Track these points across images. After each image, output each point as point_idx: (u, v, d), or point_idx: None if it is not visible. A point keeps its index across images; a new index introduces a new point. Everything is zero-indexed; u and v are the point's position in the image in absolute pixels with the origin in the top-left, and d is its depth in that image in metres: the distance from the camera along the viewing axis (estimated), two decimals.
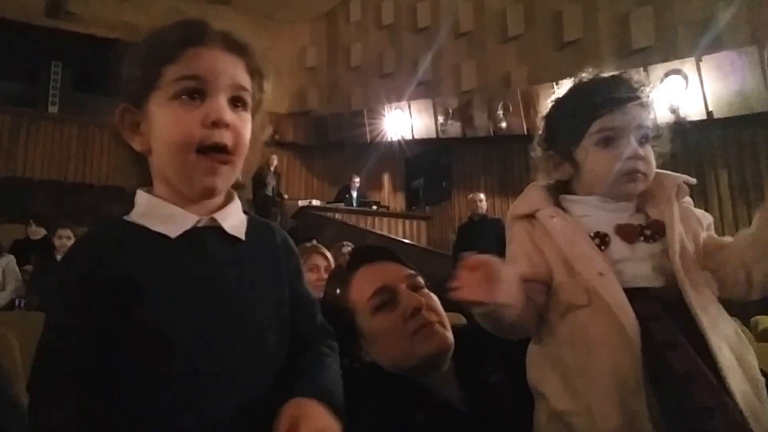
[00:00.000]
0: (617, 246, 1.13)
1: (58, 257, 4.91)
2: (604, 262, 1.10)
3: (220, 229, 0.91)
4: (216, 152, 0.87)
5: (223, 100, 0.87)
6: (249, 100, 0.92)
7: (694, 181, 1.20)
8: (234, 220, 0.93)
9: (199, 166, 0.86)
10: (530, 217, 1.22)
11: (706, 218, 1.21)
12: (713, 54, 6.30)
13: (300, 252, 1.15)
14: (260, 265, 0.93)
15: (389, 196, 10.86)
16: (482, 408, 1.19)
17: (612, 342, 1.05)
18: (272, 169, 9.15)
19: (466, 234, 6.66)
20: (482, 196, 6.99)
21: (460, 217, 8.87)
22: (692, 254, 1.12)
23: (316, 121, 11.21)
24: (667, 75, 6.59)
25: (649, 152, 1.16)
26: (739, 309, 1.60)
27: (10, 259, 4.86)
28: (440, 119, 9.29)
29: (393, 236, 9.00)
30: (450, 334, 1.27)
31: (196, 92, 0.87)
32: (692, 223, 1.17)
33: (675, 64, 6.56)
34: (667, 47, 6.82)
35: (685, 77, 6.47)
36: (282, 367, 0.90)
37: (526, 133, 7.74)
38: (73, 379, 0.79)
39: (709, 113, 6.38)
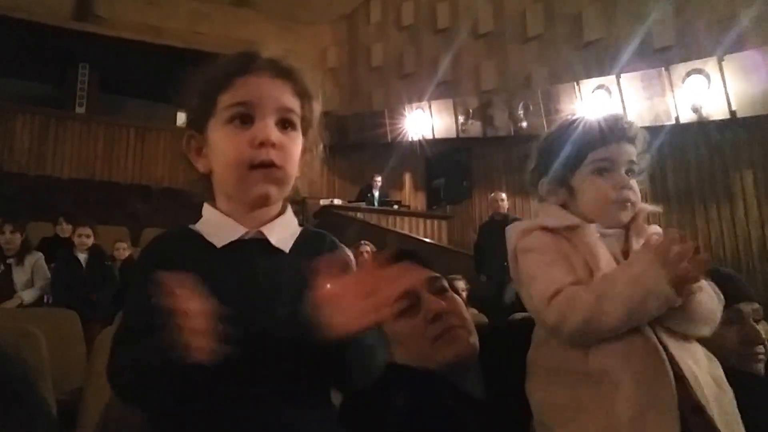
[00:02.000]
0: None
1: (79, 255, 5.01)
2: None
3: (267, 241, 0.98)
4: (265, 168, 0.95)
5: (270, 122, 0.95)
6: (297, 121, 0.99)
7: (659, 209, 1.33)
8: (283, 232, 1.00)
9: (253, 177, 0.94)
10: (551, 231, 1.25)
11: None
12: (736, 53, 6.23)
13: None
14: (303, 274, 0.93)
15: (410, 195, 10.84)
16: (506, 403, 1.20)
17: (645, 361, 1.09)
18: None
19: (488, 233, 6.57)
20: (504, 195, 6.95)
21: (480, 216, 8.85)
22: None
23: (338, 121, 11.16)
24: (689, 74, 6.53)
25: (635, 184, 1.27)
26: None
27: (39, 257, 4.89)
28: (461, 119, 9.26)
29: (414, 235, 8.98)
30: (474, 338, 1.28)
31: (247, 117, 0.95)
32: None
33: (697, 64, 6.50)
34: (689, 46, 6.75)
35: (708, 77, 6.40)
36: (320, 370, 0.91)
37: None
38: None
39: (732, 112, 6.30)
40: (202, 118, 0.99)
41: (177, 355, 0.75)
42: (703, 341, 1.17)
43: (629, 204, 1.24)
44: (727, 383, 1.14)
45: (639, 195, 1.26)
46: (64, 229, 5.69)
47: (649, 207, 1.30)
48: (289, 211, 1.03)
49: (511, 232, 1.30)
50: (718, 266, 1.66)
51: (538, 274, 1.19)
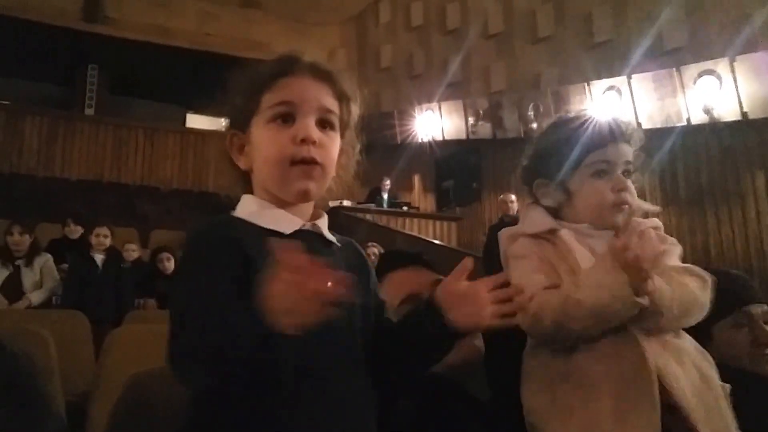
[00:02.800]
0: None
1: (96, 256, 4.96)
2: None
3: (320, 235, 1.02)
4: (306, 164, 0.99)
5: (311, 122, 1.00)
6: (336, 121, 1.04)
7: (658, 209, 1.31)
8: (327, 230, 1.04)
9: (294, 173, 0.98)
10: (535, 236, 1.27)
11: (676, 249, 1.27)
12: (748, 54, 6.19)
13: None
14: (353, 271, 0.99)
15: (419, 197, 10.82)
16: (511, 405, 1.20)
17: (628, 364, 1.09)
18: None
19: (497, 235, 6.58)
20: (513, 197, 6.98)
21: (490, 218, 8.85)
22: None
23: None
24: (700, 75, 6.50)
25: (632, 185, 1.27)
26: None
27: (48, 258, 4.91)
28: (470, 120, 9.26)
29: (423, 237, 8.97)
30: (479, 342, 1.28)
31: (288, 116, 1.00)
32: None
33: (708, 65, 6.47)
34: (700, 48, 6.71)
35: (719, 78, 6.37)
36: (366, 371, 0.98)
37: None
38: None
39: (743, 114, 6.27)
40: (245, 117, 1.04)
41: (275, 324, 0.75)
42: (713, 344, 1.18)
43: (626, 206, 1.24)
44: (716, 378, 1.14)
45: (635, 195, 1.26)
46: (73, 230, 5.72)
47: (646, 205, 1.30)
48: (325, 215, 1.07)
49: (501, 237, 1.33)
50: (728, 268, 1.71)
51: (522, 279, 1.20)
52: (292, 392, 0.87)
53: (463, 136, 9.49)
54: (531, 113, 8.26)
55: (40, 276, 4.80)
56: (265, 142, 1.00)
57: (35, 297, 4.64)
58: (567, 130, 1.29)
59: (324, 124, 1.02)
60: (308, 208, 1.05)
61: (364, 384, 0.96)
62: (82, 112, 11.02)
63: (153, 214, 8.97)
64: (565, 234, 1.23)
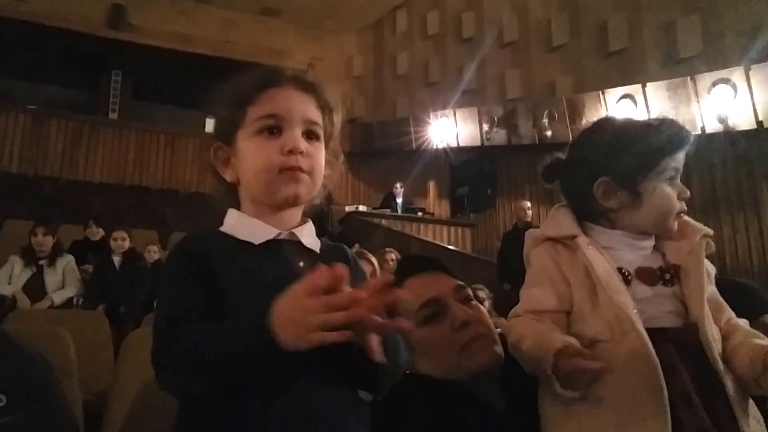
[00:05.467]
0: (638, 287, 1.16)
1: (115, 258, 5.07)
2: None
3: (299, 243, 1.02)
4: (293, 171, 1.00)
5: (297, 133, 1.00)
6: (320, 132, 1.05)
7: (711, 232, 1.24)
8: (309, 237, 1.04)
9: (282, 179, 0.99)
10: (556, 241, 1.24)
11: (713, 270, 1.24)
12: (763, 63, 6.14)
13: None
14: None
15: (434, 202, 10.78)
16: (524, 412, 1.19)
17: (639, 379, 1.06)
18: None
19: (511, 242, 6.58)
20: (528, 204, 6.98)
21: (504, 224, 8.83)
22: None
23: (363, 129, 11.27)
24: (714, 84, 6.44)
25: None
26: None
27: (70, 259, 4.94)
28: (485, 127, 9.22)
29: (438, 242, 8.98)
30: (499, 348, 1.25)
31: (275, 128, 1.00)
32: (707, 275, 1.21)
33: (723, 74, 6.39)
34: (715, 56, 6.66)
35: (734, 86, 6.30)
36: (351, 374, 0.94)
37: (571, 141, 7.64)
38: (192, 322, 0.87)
39: (759, 122, 6.19)
40: (230, 130, 1.04)
41: (264, 341, 0.78)
42: (728, 353, 1.12)
43: (682, 214, 1.22)
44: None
45: None
46: (95, 232, 5.74)
47: (704, 228, 1.26)
48: (311, 222, 1.07)
49: (527, 238, 1.31)
50: (735, 278, 1.68)
51: (524, 289, 1.23)
52: (262, 398, 0.86)
53: (478, 143, 9.45)
54: (546, 120, 8.22)
55: (62, 277, 4.83)
56: (252, 153, 1.00)
57: (57, 297, 4.68)
58: (642, 129, 1.23)
59: (310, 135, 1.03)
60: (294, 216, 1.05)
61: (340, 385, 0.92)
62: (105, 117, 11.15)
63: (173, 216, 9.04)
64: (583, 243, 1.19)
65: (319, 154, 1.04)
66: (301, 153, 0.99)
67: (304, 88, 1.05)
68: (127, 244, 5.16)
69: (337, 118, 1.09)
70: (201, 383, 0.85)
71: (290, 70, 1.06)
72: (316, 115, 1.04)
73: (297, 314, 0.78)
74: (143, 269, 5.14)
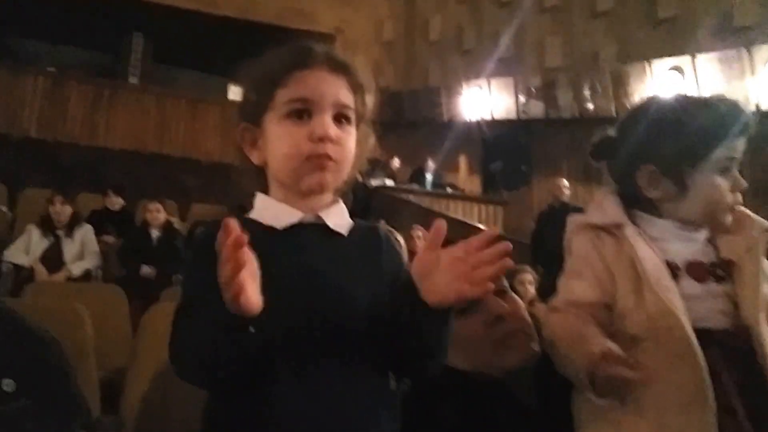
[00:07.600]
0: (687, 282, 1.12)
1: (152, 231, 5.07)
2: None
3: (325, 226, 1.01)
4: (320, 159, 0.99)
5: (328, 118, 0.98)
6: (352, 115, 1.02)
7: None
8: (338, 219, 1.03)
9: (309, 167, 0.98)
10: (600, 229, 1.20)
11: None
12: None
13: None
14: (359, 260, 1.01)
15: (465, 178, 10.73)
16: (558, 411, 1.17)
17: (683, 386, 1.04)
18: None
19: (546, 222, 6.48)
20: (566, 182, 6.80)
21: (539, 203, 8.64)
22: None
23: (392, 98, 11.14)
24: None
25: None
26: None
27: (88, 229, 4.94)
28: (521, 99, 9.18)
29: (468, 221, 8.79)
30: (536, 344, 1.23)
31: (304, 112, 0.98)
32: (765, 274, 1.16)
33: None
34: None
35: None
36: (384, 362, 0.97)
37: (615, 115, 7.46)
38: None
39: None
40: (258, 112, 1.03)
41: (231, 317, 0.77)
42: None
43: (736, 208, 1.17)
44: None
45: None
46: (113, 201, 5.82)
47: (765, 223, 1.22)
48: (342, 203, 1.07)
49: (569, 224, 1.27)
50: None
51: (563, 281, 1.21)
52: (290, 387, 0.89)
53: (514, 116, 9.41)
54: (587, 93, 8.16)
55: (81, 247, 4.83)
56: (280, 138, 1.00)
57: (75, 268, 4.68)
58: (692, 113, 1.15)
59: (340, 118, 1.00)
60: (323, 199, 1.04)
61: (366, 372, 0.95)
62: (126, 81, 11.19)
63: (194, 187, 8.98)
64: (631, 233, 1.16)
65: (350, 139, 1.02)
66: (331, 140, 0.98)
67: (335, 68, 1.02)
68: (162, 216, 5.18)
69: (370, 98, 1.07)
70: (196, 374, 0.90)
71: (321, 48, 1.03)
72: (347, 97, 1.02)
73: None
74: (179, 247, 5.08)
